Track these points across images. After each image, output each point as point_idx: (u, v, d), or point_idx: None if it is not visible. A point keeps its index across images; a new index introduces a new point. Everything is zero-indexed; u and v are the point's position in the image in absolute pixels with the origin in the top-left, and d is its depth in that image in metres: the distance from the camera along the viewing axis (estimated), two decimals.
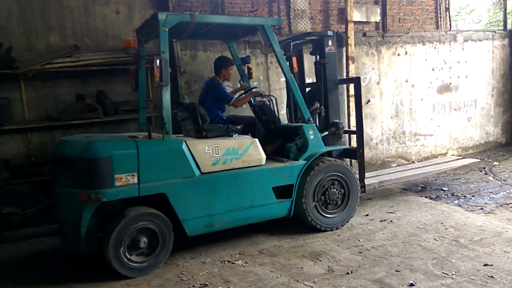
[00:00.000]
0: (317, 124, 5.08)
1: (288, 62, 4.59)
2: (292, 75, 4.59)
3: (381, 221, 4.87)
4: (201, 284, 3.48)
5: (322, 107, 5.06)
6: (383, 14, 7.80)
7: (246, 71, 5.44)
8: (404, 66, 7.84)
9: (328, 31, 5.01)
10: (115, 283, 3.61)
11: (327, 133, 5.01)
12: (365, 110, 7.49)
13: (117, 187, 3.61)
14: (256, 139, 4.40)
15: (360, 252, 3.99)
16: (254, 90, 5.03)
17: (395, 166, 7.66)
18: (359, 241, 4.30)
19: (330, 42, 4.98)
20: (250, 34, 5.10)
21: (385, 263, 3.71)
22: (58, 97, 5.65)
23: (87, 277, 3.75)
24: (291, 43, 4.51)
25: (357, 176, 4.96)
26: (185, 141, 3.98)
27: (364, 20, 7.68)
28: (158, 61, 3.77)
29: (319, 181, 4.58)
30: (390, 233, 4.47)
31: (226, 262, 3.92)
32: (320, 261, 3.85)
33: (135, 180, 3.68)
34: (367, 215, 5.13)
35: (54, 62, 5.30)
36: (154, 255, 3.79)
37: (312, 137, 4.65)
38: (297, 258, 3.94)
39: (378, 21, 7.83)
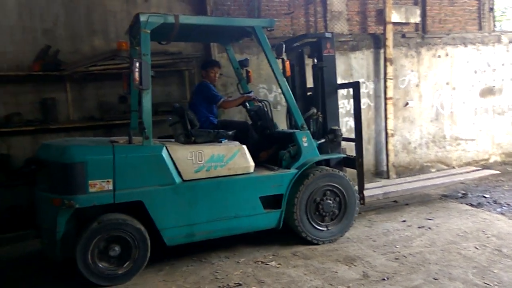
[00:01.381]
0: (314, 131, 4.80)
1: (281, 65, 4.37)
2: (285, 79, 4.35)
3: (419, 227, 4.70)
4: (235, 283, 3.49)
5: (319, 112, 4.78)
6: (423, 15, 7.68)
7: (244, 75, 5.24)
8: (444, 68, 7.65)
9: (326, 33, 4.75)
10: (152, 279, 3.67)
11: (324, 140, 4.73)
12: (403, 113, 7.48)
13: (91, 193, 3.50)
14: (244, 146, 4.19)
15: (397, 259, 3.86)
16: (246, 94, 4.82)
17: (435, 171, 7.47)
18: (396, 247, 4.15)
19: (328, 45, 4.71)
20: (247, 36, 4.90)
21: (422, 271, 3.58)
22: (101, 98, 5.82)
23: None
24: (283, 46, 4.28)
25: (357, 187, 4.65)
26: (165, 147, 3.83)
27: (403, 21, 7.55)
28: (137, 64, 3.65)
29: (312, 191, 4.31)
30: (428, 240, 4.31)
31: (260, 262, 3.91)
32: (355, 266, 3.76)
33: (110, 187, 3.57)
34: (404, 221, 4.96)
35: (98, 64, 5.46)
36: (128, 264, 3.65)
37: (305, 144, 4.39)
38: (331, 262, 3.88)
39: (417, 22, 7.69)
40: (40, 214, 3.80)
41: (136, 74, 3.65)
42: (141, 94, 3.74)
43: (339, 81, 6.91)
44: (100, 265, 3.56)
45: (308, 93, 5.32)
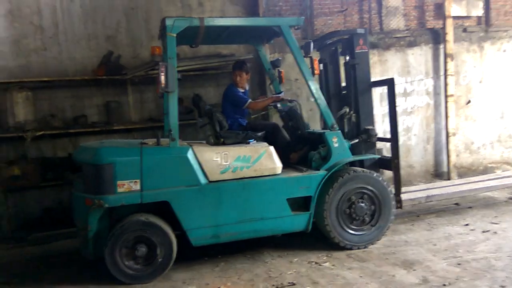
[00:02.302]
0: (347, 131, 4.62)
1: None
2: (313, 78, 4.23)
3: (484, 232, 4.46)
4: (289, 283, 3.50)
5: (352, 112, 4.60)
6: (487, 7, 7.29)
7: (277, 75, 5.18)
8: (510, 63, 7.21)
9: (358, 29, 4.55)
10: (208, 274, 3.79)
11: (357, 140, 4.54)
12: (465, 111, 7.17)
13: (119, 194, 3.62)
14: (271, 147, 4.13)
15: (459, 264, 3.68)
16: (275, 95, 4.75)
17: (501, 172, 7.04)
18: (458, 252, 3.96)
19: (361, 41, 4.52)
20: (277, 36, 4.83)
21: (487, 277, 3.38)
22: (160, 100, 5.95)
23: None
24: (311, 44, 4.18)
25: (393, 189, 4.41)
26: (191, 148, 3.87)
27: (464, 14, 7.23)
28: (164, 67, 3.73)
29: (343, 194, 4.15)
30: (494, 245, 4.07)
31: (314, 263, 3.89)
32: (414, 270, 3.62)
33: (138, 187, 3.66)
34: (467, 224, 4.73)
35: (156, 68, 5.53)
36: (154, 264, 3.71)
37: (336, 145, 4.24)
38: (388, 265, 3.76)
39: (480, 15, 7.33)
40: (76, 214, 3.99)
41: (162, 77, 3.72)
42: (167, 97, 3.80)
43: (396, 78, 6.74)
44: (127, 264, 3.66)
45: (343, 92, 5.13)
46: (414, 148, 7.08)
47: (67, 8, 5.73)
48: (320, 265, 3.84)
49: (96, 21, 5.89)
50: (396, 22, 7.00)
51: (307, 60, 4.32)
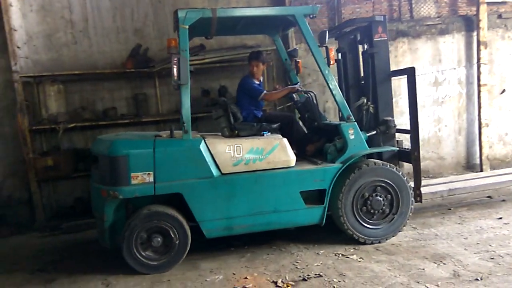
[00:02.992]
0: (365, 122, 4.50)
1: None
2: (329, 68, 4.12)
3: None
4: (315, 274, 3.49)
5: (370, 103, 4.46)
6: None
7: (294, 66, 5.09)
8: None
9: (377, 16, 4.37)
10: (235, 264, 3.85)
11: (374, 132, 4.41)
12: (499, 101, 6.98)
13: (133, 185, 3.68)
14: (284, 139, 4.07)
15: (492, 258, 3.59)
16: (291, 85, 4.66)
17: None
18: (491, 246, 3.85)
19: (380, 29, 4.35)
20: (293, 25, 4.74)
21: None
22: None
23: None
24: (326, 33, 4.07)
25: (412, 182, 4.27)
26: (204, 141, 3.88)
27: (500, 0, 6.83)
28: (176, 59, 3.73)
29: (359, 187, 4.06)
30: None
31: (340, 255, 3.87)
32: (444, 264, 3.55)
33: (151, 179, 3.71)
34: (500, 218, 4.59)
35: None
36: (169, 254, 3.78)
37: (352, 137, 4.13)
38: (417, 258, 3.70)
39: None
40: (93, 204, 4.10)
41: (175, 70, 3.73)
42: (180, 89, 3.81)
43: (427, 67, 6.65)
44: (143, 254, 3.74)
45: (362, 82, 4.98)
46: (445, 139, 6.86)
47: (96, 2, 5.83)
48: (347, 257, 3.82)
49: (125, 14, 5.97)
50: (427, 9, 6.76)
51: (323, 50, 4.18)
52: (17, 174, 5.69)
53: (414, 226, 4.50)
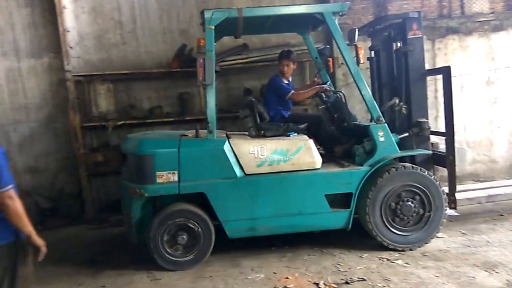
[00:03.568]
0: (397, 123, 4.31)
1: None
2: (358, 67, 3.98)
3: None
4: (358, 278, 3.43)
5: (402, 103, 4.26)
6: None
7: (324, 64, 4.97)
8: None
9: (411, 13, 4.16)
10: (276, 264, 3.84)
11: (407, 134, 4.21)
12: None
13: (158, 184, 3.75)
14: (310, 141, 3.99)
15: None
16: (319, 85, 4.55)
17: None
18: None
19: (414, 26, 4.13)
20: (323, 23, 4.61)
21: None
22: (229, 91, 6.25)
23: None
24: (355, 31, 3.91)
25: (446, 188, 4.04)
26: (228, 141, 3.88)
27: None
28: (201, 60, 3.75)
29: (388, 191, 3.90)
30: None
31: (385, 259, 3.76)
32: (497, 273, 3.39)
33: (176, 178, 3.77)
34: None
35: (226, 60, 5.85)
36: (193, 252, 3.83)
37: (382, 139, 3.97)
38: (467, 266, 3.55)
39: None
40: (122, 200, 4.23)
41: (200, 70, 3.75)
42: (205, 90, 3.83)
43: (479, 66, 6.32)
44: (168, 251, 3.81)
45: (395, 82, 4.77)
46: (498, 141, 6.48)
47: (144, 4, 6.00)
48: (392, 262, 3.69)
49: (171, 15, 6.10)
50: (479, 5, 6.42)
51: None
52: (69, 169, 6.00)
53: (463, 232, 4.29)
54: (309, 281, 3.43)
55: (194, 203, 3.89)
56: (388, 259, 3.74)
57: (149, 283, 3.64)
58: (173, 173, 3.77)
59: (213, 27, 3.82)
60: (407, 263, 3.64)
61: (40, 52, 5.84)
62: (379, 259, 3.76)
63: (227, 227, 3.85)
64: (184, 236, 3.81)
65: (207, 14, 3.80)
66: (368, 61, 4.87)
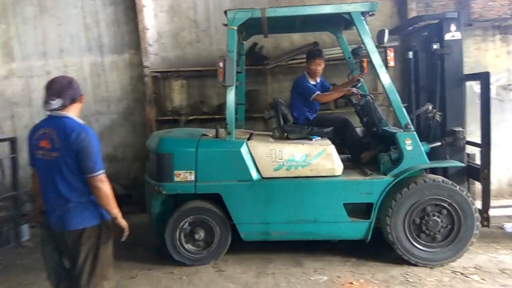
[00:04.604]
0: (429, 132, 4.02)
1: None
2: (386, 71, 3.75)
3: None
4: None
5: (435, 110, 3.96)
6: None
7: (358, 65, 4.75)
8: None
9: (449, 13, 3.83)
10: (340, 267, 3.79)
11: (439, 144, 3.92)
12: None
13: (175, 182, 3.82)
14: (331, 146, 3.84)
15: None
16: (347, 87, 4.34)
17: None
18: None
19: (453, 26, 3.81)
20: None
21: None
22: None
23: None
24: (385, 32, 3.69)
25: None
26: (246, 143, 3.84)
27: None
28: (222, 61, 3.73)
29: (413, 204, 3.66)
30: None
31: (459, 273, 3.58)
32: None
33: (192, 178, 3.81)
34: None
35: (296, 58, 5.80)
36: (210, 248, 3.88)
37: (409, 148, 3.73)
38: None
39: None
40: (146, 195, 4.36)
41: (220, 71, 3.74)
42: (225, 91, 3.81)
43: None
44: (185, 246, 3.89)
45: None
46: None
47: (219, 3, 6.04)
48: (466, 276, 3.48)
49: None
50: None
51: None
52: (143, 159, 6.12)
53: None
54: None
55: (212, 201, 3.91)
56: (462, 273, 3.52)
57: (214, 274, 3.73)
58: (190, 172, 3.81)
59: (235, 28, 3.79)
60: (483, 279, 3.40)
61: (122, 48, 6.11)
62: (452, 272, 3.55)
63: (241, 229, 3.84)
64: (201, 233, 3.86)
65: (230, 15, 3.77)
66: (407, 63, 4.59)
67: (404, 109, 3.77)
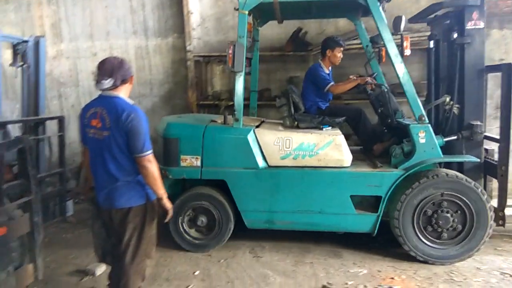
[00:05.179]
0: (445, 125, 3.85)
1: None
2: (402, 59, 3.59)
3: None
4: None
5: (453, 102, 3.78)
6: None
7: (377, 54, 4.59)
8: None
9: (471, 0, 3.61)
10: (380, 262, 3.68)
11: (455, 137, 3.74)
12: None
13: (182, 167, 3.82)
14: (340, 136, 3.74)
15: None
16: (359, 77, 4.20)
17: None
18: None
19: (475, 15, 3.60)
20: None
21: None
22: (342, 78, 5.32)
23: None
24: (402, 19, 3.52)
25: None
26: (253, 130, 3.79)
27: None
28: (232, 46, 3.68)
29: (423, 199, 3.53)
30: None
31: (508, 276, 3.38)
32: None
33: (198, 163, 3.80)
34: None
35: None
36: (213, 234, 3.88)
37: (422, 140, 3.58)
38: None
39: None
40: None
41: (230, 57, 3.68)
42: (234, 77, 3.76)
43: None
44: (189, 232, 3.91)
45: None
46: None
47: None
48: None
49: None
50: None
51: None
52: None
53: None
54: (418, 285, 3.21)
55: (218, 188, 3.90)
56: (511, 275, 3.34)
57: (251, 259, 3.73)
58: (196, 158, 3.80)
59: (246, 12, 3.71)
60: None
61: (166, 32, 6.09)
62: (501, 273, 3.37)
63: (245, 217, 3.82)
64: (203, 219, 3.86)
65: None
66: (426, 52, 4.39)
67: (419, 100, 3.61)
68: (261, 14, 4.54)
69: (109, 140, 2.37)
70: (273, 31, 5.70)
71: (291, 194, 3.71)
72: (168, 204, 2.51)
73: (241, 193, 3.78)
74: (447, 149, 3.75)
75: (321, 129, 3.95)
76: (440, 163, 3.75)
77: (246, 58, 3.83)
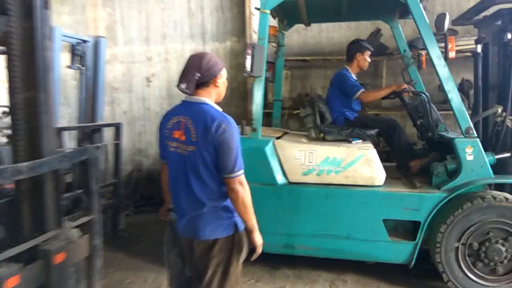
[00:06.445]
0: (496, 140, 3.30)
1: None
2: (446, 63, 3.11)
3: None
4: None
5: (505, 114, 3.24)
6: None
7: (416, 59, 4.12)
8: None
9: None
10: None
11: (508, 155, 3.19)
12: None
13: None
14: (372, 151, 3.27)
15: None
16: (395, 85, 3.72)
17: None
18: None
19: None
20: None
21: None
22: (428, 85, 4.93)
23: None
24: (446, 16, 3.05)
25: None
26: (272, 142, 3.39)
27: None
28: (251, 48, 3.32)
29: (470, 226, 3.00)
30: None
31: None
32: None
33: None
34: None
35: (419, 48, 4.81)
36: None
37: (470, 157, 3.06)
38: None
39: None
40: None
41: (248, 59, 3.32)
42: (253, 82, 3.40)
43: None
44: None
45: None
46: None
47: None
48: None
49: None
50: None
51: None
52: None
53: None
54: None
55: None
56: None
57: None
58: None
59: (268, 12, 3.36)
60: None
61: (224, 36, 5.82)
62: None
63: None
64: None
65: None
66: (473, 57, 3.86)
67: (465, 111, 3.10)
68: (286, 16, 4.19)
69: (195, 156, 1.93)
70: (341, 33, 5.37)
71: (314, 215, 3.27)
72: (259, 238, 2.08)
73: (256, 212, 3.36)
74: (498, 168, 3.21)
75: (350, 142, 3.50)
76: (490, 184, 3.20)
77: (268, 62, 3.45)
